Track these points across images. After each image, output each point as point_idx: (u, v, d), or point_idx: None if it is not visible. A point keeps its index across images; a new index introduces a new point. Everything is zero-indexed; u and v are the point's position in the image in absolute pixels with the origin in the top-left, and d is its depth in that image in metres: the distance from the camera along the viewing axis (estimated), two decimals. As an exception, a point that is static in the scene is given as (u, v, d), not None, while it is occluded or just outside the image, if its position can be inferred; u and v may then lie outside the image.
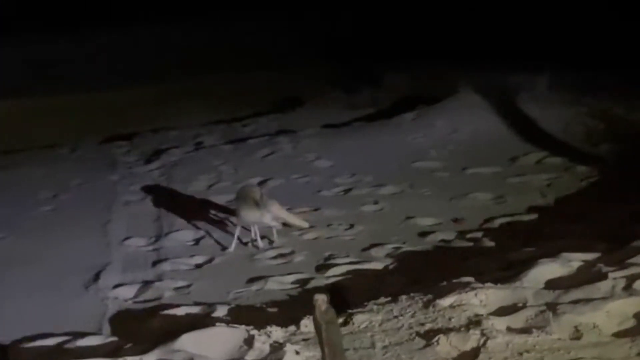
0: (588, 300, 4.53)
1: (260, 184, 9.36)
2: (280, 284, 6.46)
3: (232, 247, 7.45)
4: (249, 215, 7.33)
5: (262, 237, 7.51)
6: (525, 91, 11.83)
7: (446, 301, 4.87)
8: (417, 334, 4.54)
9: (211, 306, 5.85)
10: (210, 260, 7.21)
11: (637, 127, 10.65)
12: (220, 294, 6.34)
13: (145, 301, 6.34)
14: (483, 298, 4.85)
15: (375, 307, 5.08)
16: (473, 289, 4.95)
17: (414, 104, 12.31)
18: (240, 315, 5.61)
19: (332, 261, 6.91)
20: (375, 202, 8.58)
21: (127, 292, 6.53)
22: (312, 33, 18.22)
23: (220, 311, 5.75)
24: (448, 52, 15.12)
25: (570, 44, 14.21)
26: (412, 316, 4.79)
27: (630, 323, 4.31)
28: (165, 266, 7.09)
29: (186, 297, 6.35)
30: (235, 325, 4.84)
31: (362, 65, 15.87)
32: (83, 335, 5.40)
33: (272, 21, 18.79)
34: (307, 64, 16.51)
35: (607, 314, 4.38)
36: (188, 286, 6.61)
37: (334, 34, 17.99)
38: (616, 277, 4.78)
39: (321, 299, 3.79)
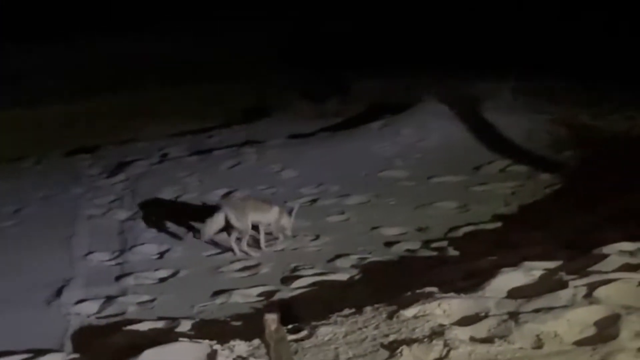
0: (549, 309, 4.53)
1: (225, 195, 9.35)
2: (245, 297, 6.42)
3: (237, 251, 7.52)
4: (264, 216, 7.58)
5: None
6: (490, 99, 11.90)
7: (410, 312, 4.86)
8: (381, 345, 4.52)
9: (175, 321, 5.82)
10: (174, 274, 7.16)
11: (599, 134, 10.77)
12: (184, 308, 6.29)
13: (108, 316, 6.28)
14: (446, 308, 4.84)
15: (339, 319, 5.06)
16: (436, 299, 4.95)
17: (381, 112, 12.31)
18: (204, 329, 5.59)
19: (298, 273, 6.90)
20: (341, 213, 8.59)
21: (90, 308, 6.46)
22: (280, 42, 18.24)
23: (184, 326, 5.72)
24: (414, 59, 15.20)
25: (533, 51, 14.36)
26: (376, 327, 4.78)
27: (591, 331, 4.31)
28: (129, 280, 7.03)
29: (150, 312, 6.29)
30: (199, 340, 4.81)
31: (330, 74, 15.90)
32: (44, 352, 5.35)
33: (240, 31, 18.77)
34: (274, 73, 16.51)
35: (568, 322, 4.38)
36: (152, 300, 6.56)
37: (302, 43, 17.99)
38: (577, 286, 4.80)
39: (271, 319, 3.80)
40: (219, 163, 10.71)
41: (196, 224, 8.07)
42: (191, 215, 8.73)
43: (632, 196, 8.05)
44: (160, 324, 5.80)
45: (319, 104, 14.60)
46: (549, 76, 13.35)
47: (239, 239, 7.53)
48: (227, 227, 7.57)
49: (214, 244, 7.74)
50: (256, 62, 16.90)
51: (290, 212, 7.79)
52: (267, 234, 7.81)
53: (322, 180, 9.65)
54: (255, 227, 7.66)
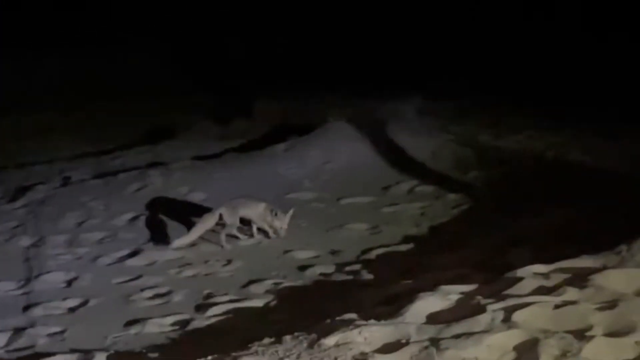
0: (469, 334, 4.56)
1: (133, 219, 9.18)
2: (160, 327, 6.29)
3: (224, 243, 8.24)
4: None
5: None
6: (395, 119, 12.03)
7: (331, 340, 4.81)
8: (304, 376, 4.49)
9: (88, 353, 5.66)
10: (84, 303, 6.96)
11: (503, 154, 10.97)
12: (97, 339, 6.10)
13: (17, 349, 6.06)
14: (367, 335, 4.81)
15: (259, 348, 4.98)
16: (357, 326, 4.92)
17: (286, 133, 12.30)
18: (120, 362, 5.46)
19: (212, 300, 6.80)
20: (252, 236, 8.52)
21: (-2, 341, 6.23)
22: (181, 63, 18.10)
23: (99, 358, 5.57)
24: (317, 79, 15.28)
25: (437, 71, 14.62)
26: (298, 357, 4.71)
27: (511, 356, 4.36)
28: (37, 311, 6.79)
29: (61, 344, 6.08)
30: (116, 375, 4.69)
31: (232, 95, 15.85)
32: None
33: (140, 52, 18.54)
34: (176, 94, 16.36)
35: (488, 347, 4.41)
36: (62, 332, 6.34)
37: (204, 63, 17.89)
38: (495, 310, 4.84)
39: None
40: (124, 186, 10.43)
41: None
42: (98, 241, 8.59)
43: (537, 217, 8.26)
44: (73, 357, 5.63)
45: (223, 124, 14.52)
46: (451, 96, 13.59)
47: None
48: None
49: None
50: (158, 83, 16.69)
51: (276, 214, 8.31)
52: (262, 230, 8.48)
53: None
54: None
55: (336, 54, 16.96)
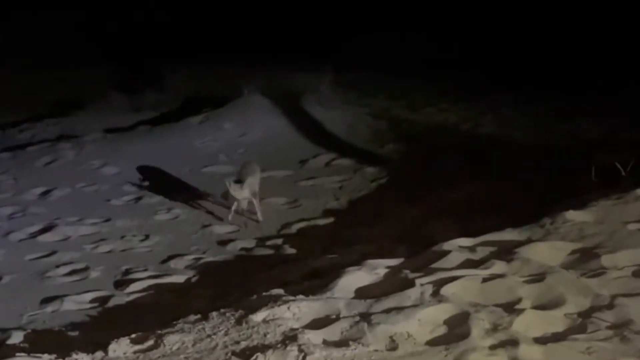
0: (400, 309, 4.55)
1: (44, 194, 8.92)
2: (78, 304, 6.14)
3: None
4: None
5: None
6: (310, 92, 11.97)
7: (259, 316, 4.74)
8: (233, 353, 4.38)
9: (5, 332, 5.50)
10: (-3, 281, 6.74)
11: (416, 127, 11.05)
12: (12, 318, 5.92)
13: None
14: (296, 311, 4.75)
15: (185, 326, 4.86)
16: (285, 302, 4.85)
17: (200, 106, 12.12)
18: (39, 341, 5.30)
19: (131, 276, 6.67)
20: (169, 210, 8.37)
21: None
22: (87, 32, 17.59)
23: (16, 337, 5.40)
24: (230, 50, 15.06)
25: (349, 44, 14.57)
26: (226, 334, 4.62)
27: (442, 330, 4.37)
28: (-52, 290, 6.55)
29: (-25, 324, 5.88)
30: (38, 355, 4.52)
31: (142, 65, 15.50)
32: None
33: (45, 20, 17.95)
34: (82, 64, 15.88)
35: (420, 322, 4.41)
36: (-25, 311, 6.14)
37: (111, 32, 17.42)
38: (423, 284, 4.85)
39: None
40: (34, 160, 10.16)
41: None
42: (8, 217, 8.32)
43: (454, 189, 8.35)
44: (-13, 336, 5.45)
45: (134, 96, 14.18)
46: (363, 68, 13.59)
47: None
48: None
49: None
50: (65, 53, 16.18)
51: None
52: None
53: (145, 176, 9.38)
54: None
55: (244, 23, 16.73)
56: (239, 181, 7.79)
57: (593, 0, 13.79)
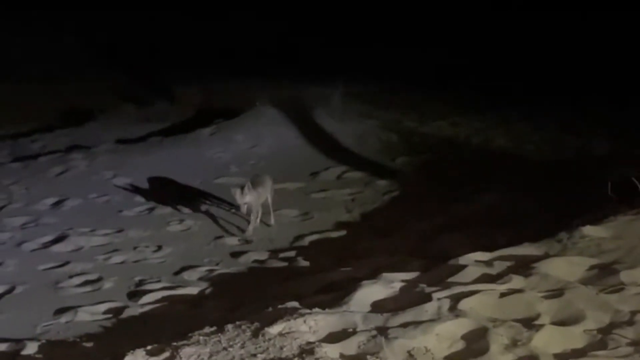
0: (417, 323, 4.53)
1: (56, 204, 8.93)
2: (92, 315, 6.10)
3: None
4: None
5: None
6: (321, 105, 11.96)
7: (275, 329, 4.72)
8: (250, 366, 4.39)
9: (19, 343, 5.45)
10: (10, 290, 6.72)
11: (427, 140, 11.05)
12: (26, 329, 5.90)
13: (-58, 339, 5.81)
14: (312, 324, 4.73)
15: (201, 338, 4.84)
16: (301, 315, 4.83)
17: (210, 117, 12.12)
18: (54, 352, 5.28)
19: (144, 287, 6.64)
20: (181, 221, 8.36)
21: None
22: (99, 43, 17.65)
23: (31, 348, 5.36)
24: (240, 63, 15.11)
25: (359, 57, 14.62)
26: (242, 347, 4.60)
27: (460, 345, 4.34)
28: (-39, 298, 6.54)
29: (-11, 333, 5.86)
30: (53, 366, 4.51)
31: (153, 77, 15.54)
32: None
33: (61, 32, 18.00)
34: (93, 75, 15.92)
35: (437, 337, 4.39)
36: (-11, 319, 6.12)
37: (124, 44, 17.48)
38: (440, 298, 4.82)
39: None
40: (45, 170, 10.18)
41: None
42: (21, 226, 8.32)
43: (467, 203, 8.34)
44: (2, 347, 5.42)
45: (144, 107, 14.22)
46: (373, 80, 13.63)
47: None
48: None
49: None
50: (77, 64, 16.22)
51: None
52: None
53: (156, 187, 9.37)
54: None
55: (256, 36, 16.80)
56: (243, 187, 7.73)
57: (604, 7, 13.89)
